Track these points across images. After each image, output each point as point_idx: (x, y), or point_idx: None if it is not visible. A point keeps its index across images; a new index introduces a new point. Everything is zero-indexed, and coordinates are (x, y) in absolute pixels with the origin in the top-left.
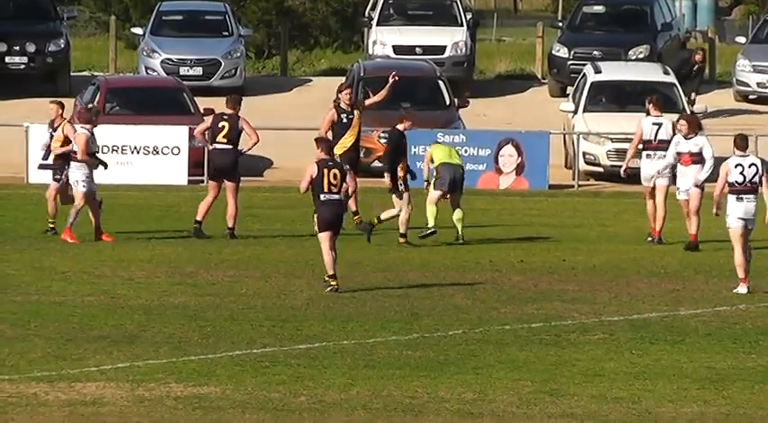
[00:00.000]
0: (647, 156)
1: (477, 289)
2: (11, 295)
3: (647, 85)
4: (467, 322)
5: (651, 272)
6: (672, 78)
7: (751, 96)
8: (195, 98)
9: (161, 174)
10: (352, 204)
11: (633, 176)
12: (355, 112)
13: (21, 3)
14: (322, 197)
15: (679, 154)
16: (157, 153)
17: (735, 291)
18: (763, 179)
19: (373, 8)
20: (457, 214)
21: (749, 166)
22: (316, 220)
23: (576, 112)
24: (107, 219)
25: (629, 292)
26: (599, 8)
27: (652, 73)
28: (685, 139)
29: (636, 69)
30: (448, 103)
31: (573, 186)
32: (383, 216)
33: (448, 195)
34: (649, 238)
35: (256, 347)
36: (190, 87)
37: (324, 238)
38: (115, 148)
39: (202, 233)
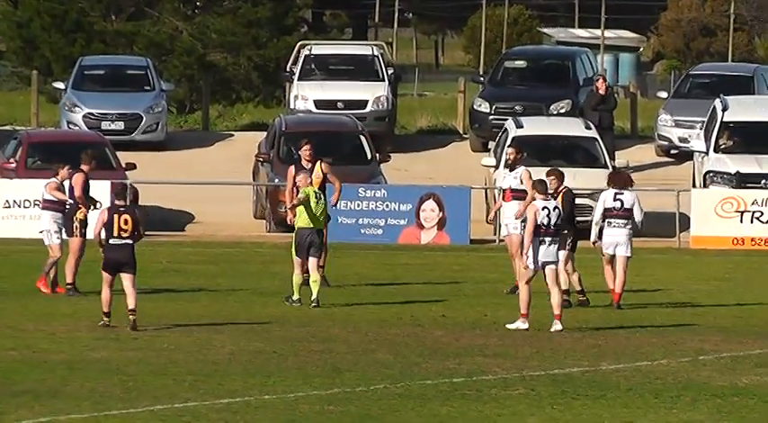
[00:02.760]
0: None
1: (399, 344)
2: None
3: (568, 139)
4: (388, 377)
5: (573, 326)
6: (594, 133)
7: (673, 151)
8: (117, 153)
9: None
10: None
11: None
12: (317, 164)
13: None
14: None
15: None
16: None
17: (510, 326)
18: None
19: (295, 63)
20: (313, 276)
21: (554, 209)
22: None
23: (497, 167)
24: (30, 274)
25: (551, 347)
26: (520, 63)
27: (574, 128)
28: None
29: (558, 124)
30: (369, 157)
31: (494, 241)
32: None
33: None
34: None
35: (178, 402)
36: (112, 142)
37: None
38: (36, 202)
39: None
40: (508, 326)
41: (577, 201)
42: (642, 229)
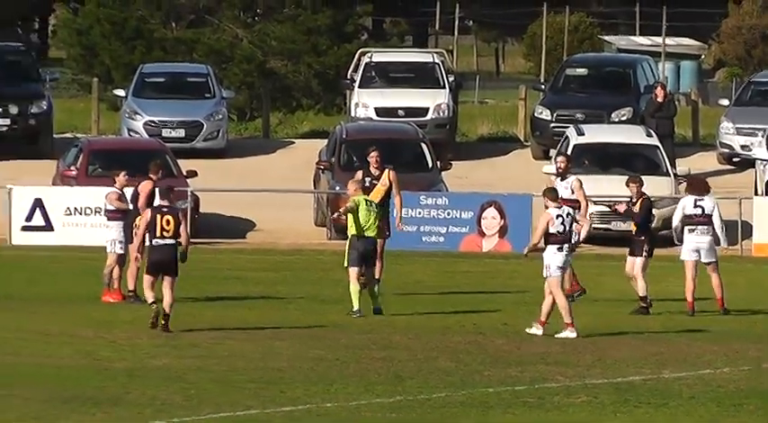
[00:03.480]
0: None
1: (461, 352)
2: None
3: (629, 147)
4: (450, 385)
5: (635, 335)
6: (655, 140)
7: (734, 158)
8: (178, 160)
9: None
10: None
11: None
12: (386, 172)
13: (3, 64)
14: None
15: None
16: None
17: (528, 331)
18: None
19: (355, 70)
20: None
21: (567, 215)
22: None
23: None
24: (91, 281)
25: (613, 355)
26: (582, 70)
27: (635, 135)
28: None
29: (619, 132)
30: (430, 165)
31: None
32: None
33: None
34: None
35: (240, 409)
36: (172, 149)
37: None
38: (98, 209)
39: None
40: (556, 335)
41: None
42: (724, 241)
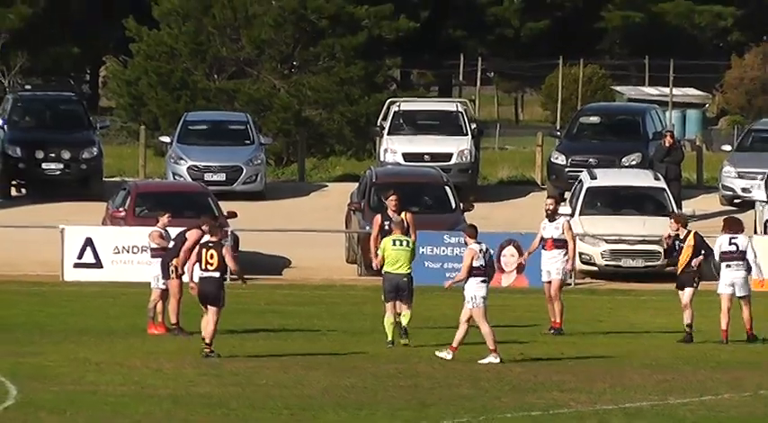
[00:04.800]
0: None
1: (481, 379)
2: (48, 385)
3: (639, 190)
4: (471, 411)
5: (643, 363)
6: (662, 184)
7: (736, 200)
8: (219, 202)
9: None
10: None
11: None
12: (403, 215)
13: (57, 113)
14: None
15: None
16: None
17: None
18: None
19: (385, 118)
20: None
21: (486, 252)
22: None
23: (573, 215)
24: (138, 315)
25: (623, 383)
26: (595, 119)
27: (644, 179)
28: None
29: (629, 176)
30: (454, 206)
31: (570, 284)
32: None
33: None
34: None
35: None
36: (214, 192)
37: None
38: (144, 248)
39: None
40: (479, 361)
41: (644, 247)
42: (759, 273)
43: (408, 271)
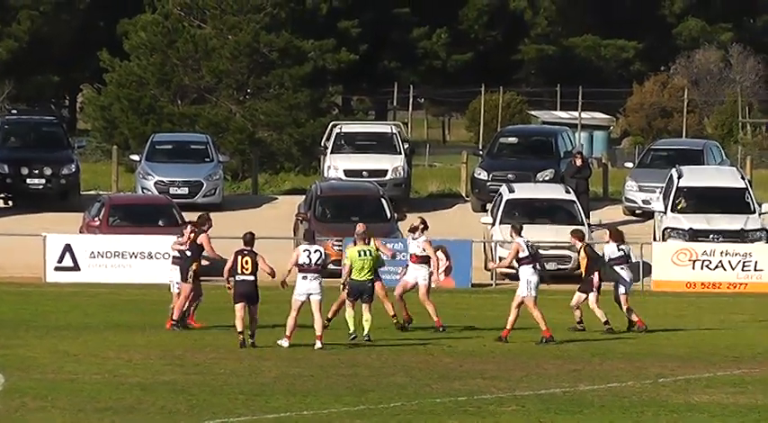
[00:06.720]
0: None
1: (414, 369)
2: (31, 374)
3: (552, 202)
4: (405, 396)
5: (556, 355)
6: (572, 197)
7: (637, 211)
8: (182, 212)
9: (155, 274)
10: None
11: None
12: (372, 242)
13: (40, 134)
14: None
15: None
16: (152, 257)
17: (278, 342)
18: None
19: (328, 139)
20: (365, 316)
21: (314, 252)
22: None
23: (493, 224)
24: (111, 312)
25: (538, 372)
26: (513, 139)
27: (556, 192)
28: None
29: (543, 189)
30: (389, 216)
31: (491, 285)
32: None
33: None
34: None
35: (233, 417)
36: (178, 204)
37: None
38: (117, 253)
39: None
40: (278, 342)
41: (557, 252)
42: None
43: (372, 277)
